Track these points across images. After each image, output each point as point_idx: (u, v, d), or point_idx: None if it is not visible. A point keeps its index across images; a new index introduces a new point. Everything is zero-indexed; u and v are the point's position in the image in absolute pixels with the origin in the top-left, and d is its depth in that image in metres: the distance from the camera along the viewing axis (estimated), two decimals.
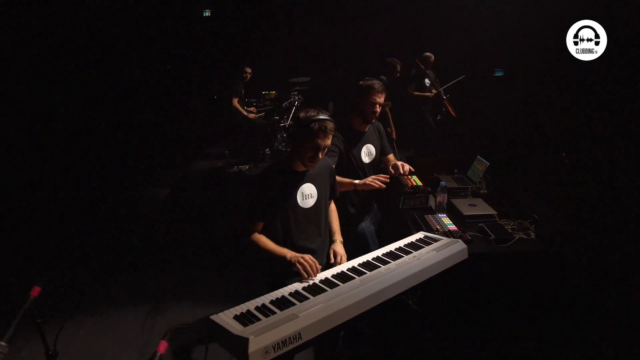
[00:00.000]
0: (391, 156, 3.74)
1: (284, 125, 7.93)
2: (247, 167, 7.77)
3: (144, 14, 9.05)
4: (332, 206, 2.98)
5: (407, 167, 3.33)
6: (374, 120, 3.47)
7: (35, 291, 1.73)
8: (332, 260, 2.71)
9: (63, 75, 7.45)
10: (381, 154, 3.68)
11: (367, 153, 3.51)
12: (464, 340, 3.19)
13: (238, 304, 2.19)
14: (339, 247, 2.80)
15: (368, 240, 3.50)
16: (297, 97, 8.00)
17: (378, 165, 3.68)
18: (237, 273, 4.72)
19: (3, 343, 1.62)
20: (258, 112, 8.16)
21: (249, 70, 7.90)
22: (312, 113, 2.47)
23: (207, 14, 10.77)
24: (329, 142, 2.52)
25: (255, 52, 9.70)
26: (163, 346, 1.52)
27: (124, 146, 8.06)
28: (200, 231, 5.80)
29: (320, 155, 2.53)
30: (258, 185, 2.61)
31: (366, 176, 3.28)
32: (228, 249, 5.22)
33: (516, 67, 7.19)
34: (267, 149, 8.42)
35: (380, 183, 3.07)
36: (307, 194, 2.64)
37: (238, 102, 7.84)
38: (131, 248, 5.33)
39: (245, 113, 7.87)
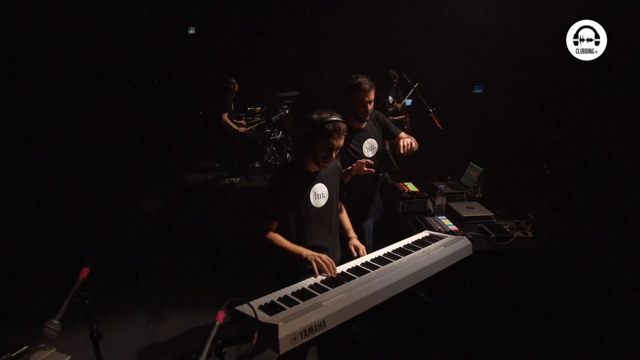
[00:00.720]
0: (402, 134, 3.69)
1: (275, 139, 8.04)
2: (238, 180, 7.83)
3: (131, 33, 9.12)
4: (340, 204, 3.06)
5: (408, 144, 3.38)
6: (368, 118, 3.44)
7: (84, 273, 1.78)
8: (355, 254, 2.80)
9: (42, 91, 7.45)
10: (391, 138, 3.69)
11: (370, 147, 3.54)
12: (468, 340, 3.28)
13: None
14: (357, 242, 2.90)
15: (365, 235, 3.58)
16: (287, 111, 8.11)
17: (383, 154, 3.72)
18: (237, 279, 4.78)
19: (56, 321, 1.67)
20: (248, 125, 8.25)
21: (234, 81, 7.98)
22: (325, 115, 2.55)
23: (191, 31, 10.89)
24: (342, 142, 2.60)
25: (244, 67, 9.80)
26: (221, 316, 1.59)
27: (114, 159, 8.05)
28: (198, 239, 5.83)
29: (334, 155, 2.62)
30: (272, 185, 2.70)
31: (375, 170, 3.36)
32: (227, 256, 5.28)
33: (511, 73, 7.35)
34: (257, 163, 8.49)
35: (367, 165, 3.16)
36: (319, 194, 2.73)
37: (228, 116, 7.91)
38: (130, 256, 5.33)
39: (235, 127, 7.94)
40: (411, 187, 4.32)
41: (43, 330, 1.61)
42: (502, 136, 6.99)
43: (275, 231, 2.68)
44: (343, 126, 2.56)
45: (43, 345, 1.74)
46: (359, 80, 3.26)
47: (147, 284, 4.76)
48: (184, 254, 5.44)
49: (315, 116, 2.57)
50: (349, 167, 3.22)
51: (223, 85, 8.01)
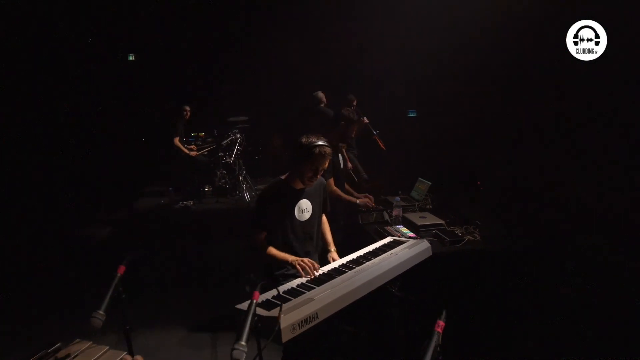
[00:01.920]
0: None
1: (227, 162, 8.20)
2: (192, 203, 7.91)
3: (75, 59, 9.06)
4: (324, 218, 3.34)
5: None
6: None
7: (121, 270, 1.95)
8: None
9: None
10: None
11: (343, 160, 4.16)
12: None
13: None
14: (336, 255, 3.19)
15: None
16: (237, 135, 8.32)
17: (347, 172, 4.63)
18: (201, 297, 4.92)
19: (101, 312, 1.82)
20: (199, 149, 8.40)
21: (187, 108, 8.22)
22: (313, 139, 2.85)
23: (131, 58, 10.92)
24: (326, 164, 2.91)
25: (190, 92, 9.90)
26: (257, 295, 1.81)
27: (60, 188, 7.90)
28: (162, 261, 5.89)
29: (319, 176, 2.94)
30: (261, 200, 2.98)
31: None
32: (191, 276, 5.40)
33: (443, 98, 7.94)
34: (207, 187, 8.59)
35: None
36: (304, 209, 3.02)
37: (179, 140, 8.07)
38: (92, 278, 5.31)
39: (186, 151, 8.09)
40: None
41: (90, 321, 1.78)
42: (441, 155, 7.58)
43: (265, 240, 2.95)
44: (329, 150, 2.87)
45: (78, 340, 1.88)
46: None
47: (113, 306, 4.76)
48: (150, 274, 5.48)
49: (304, 140, 2.86)
50: (358, 202, 4.28)
51: (175, 111, 8.19)
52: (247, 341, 1.65)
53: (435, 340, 1.52)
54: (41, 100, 7.96)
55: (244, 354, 1.62)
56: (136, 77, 10.34)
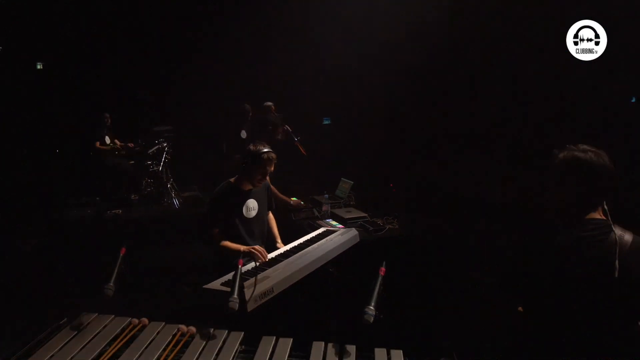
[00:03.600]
0: None
1: (155, 170, 8.30)
2: (120, 212, 7.94)
3: None
4: (271, 215, 3.84)
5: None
6: None
7: (123, 251, 2.29)
8: None
9: None
10: None
11: None
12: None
13: None
14: (282, 246, 3.66)
15: None
16: (164, 144, 8.46)
17: None
18: (144, 299, 5.13)
19: (111, 284, 2.15)
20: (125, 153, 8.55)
21: (108, 115, 8.39)
22: (260, 147, 3.33)
23: (39, 66, 10.67)
24: (272, 168, 3.41)
25: (109, 100, 9.83)
26: (240, 262, 2.24)
27: None
28: (99, 268, 5.95)
29: (267, 178, 3.43)
30: (214, 200, 3.41)
31: None
32: (131, 281, 5.57)
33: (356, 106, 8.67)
34: (134, 195, 8.62)
35: None
36: (251, 207, 3.49)
37: (100, 144, 8.22)
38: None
39: (110, 147, 8.29)
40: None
41: (104, 291, 2.11)
42: (359, 157, 8.31)
43: (219, 235, 3.37)
44: (274, 156, 3.37)
45: (84, 312, 2.19)
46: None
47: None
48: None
49: (252, 147, 3.33)
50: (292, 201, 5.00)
51: (96, 119, 8.30)
52: (238, 295, 2.11)
53: (379, 280, 2.08)
54: None
55: (237, 304, 2.09)
56: (50, 86, 10.11)
